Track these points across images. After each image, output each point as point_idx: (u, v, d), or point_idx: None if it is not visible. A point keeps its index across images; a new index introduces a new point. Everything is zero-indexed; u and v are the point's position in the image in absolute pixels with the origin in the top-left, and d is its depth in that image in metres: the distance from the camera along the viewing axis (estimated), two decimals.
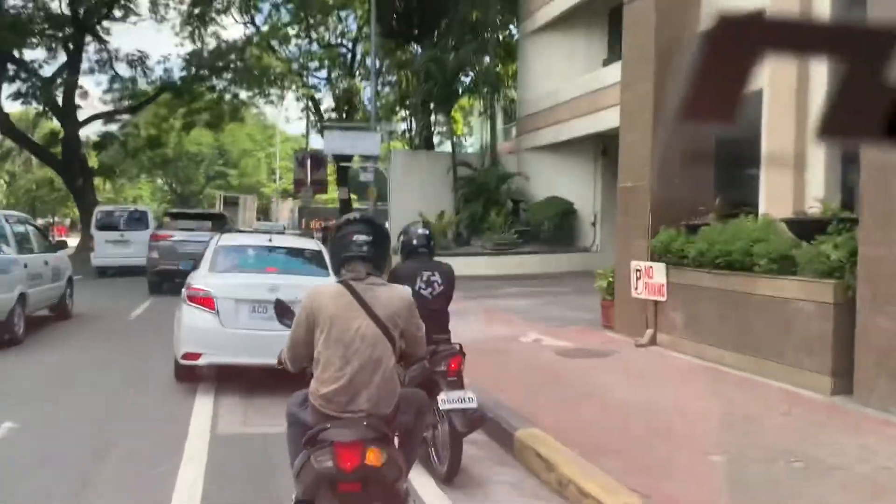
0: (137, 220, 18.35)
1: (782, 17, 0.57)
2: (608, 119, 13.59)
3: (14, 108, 26.90)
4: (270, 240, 7.88)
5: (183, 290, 7.09)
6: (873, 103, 0.58)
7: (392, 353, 2.93)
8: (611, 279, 9.09)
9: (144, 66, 26.94)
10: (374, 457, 2.70)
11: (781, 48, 0.59)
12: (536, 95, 19.30)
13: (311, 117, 37.66)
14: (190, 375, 6.93)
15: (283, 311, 3.53)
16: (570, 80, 17.60)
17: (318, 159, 38.79)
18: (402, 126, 25.14)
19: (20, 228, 10.23)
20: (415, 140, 22.40)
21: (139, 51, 26.98)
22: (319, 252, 7.55)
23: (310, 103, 36.46)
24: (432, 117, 20.50)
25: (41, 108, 24.57)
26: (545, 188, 18.90)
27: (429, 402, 3.42)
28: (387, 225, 20.51)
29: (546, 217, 17.79)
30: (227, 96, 32.81)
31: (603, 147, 17.73)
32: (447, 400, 4.43)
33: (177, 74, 28.65)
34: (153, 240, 15.08)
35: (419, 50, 21.23)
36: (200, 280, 6.97)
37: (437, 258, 5.25)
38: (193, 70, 28.62)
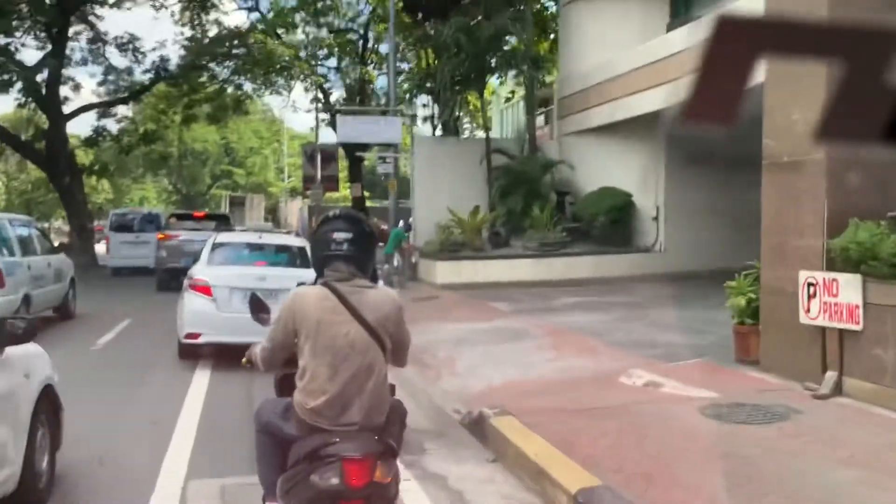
0: (150, 223, 19.48)
1: (782, 17, 0.57)
2: (678, 93, 10.90)
3: (9, 107, 24.67)
4: (260, 237, 9.33)
5: (185, 280, 8.27)
6: (874, 105, 0.58)
7: (384, 359, 2.78)
8: (751, 295, 6.38)
9: (136, 50, 24.37)
10: (382, 473, 2.61)
11: (781, 49, 0.59)
12: (581, 71, 16.59)
13: (321, 108, 35.04)
14: (191, 353, 7.95)
15: (257, 306, 3.58)
16: (626, 49, 14.87)
17: (328, 154, 35.88)
18: (422, 112, 22.43)
19: (23, 231, 10.55)
20: (437, 127, 19.68)
21: (129, 34, 24.24)
22: (303, 248, 8.44)
23: (319, 93, 33.85)
24: (459, 98, 17.78)
25: (22, 98, 22.06)
26: (593, 178, 16.19)
27: (406, 412, 2.99)
28: (409, 221, 17.86)
29: (599, 211, 15.08)
30: (230, 88, 30.43)
31: (666, 128, 14.97)
32: None
33: (174, 62, 26.09)
34: (161, 240, 15.88)
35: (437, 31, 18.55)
36: (200, 271, 8.18)
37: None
38: (191, 57, 26.07)
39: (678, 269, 15.30)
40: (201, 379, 7.36)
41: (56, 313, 11.21)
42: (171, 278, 14.37)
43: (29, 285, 9.67)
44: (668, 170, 15.31)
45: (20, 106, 22.31)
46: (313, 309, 2.70)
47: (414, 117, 17.11)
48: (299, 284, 7.97)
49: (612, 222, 15.27)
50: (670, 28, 14.46)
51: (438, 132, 20.58)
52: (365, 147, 36.43)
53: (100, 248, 26.80)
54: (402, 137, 17.48)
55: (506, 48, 16.89)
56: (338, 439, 2.62)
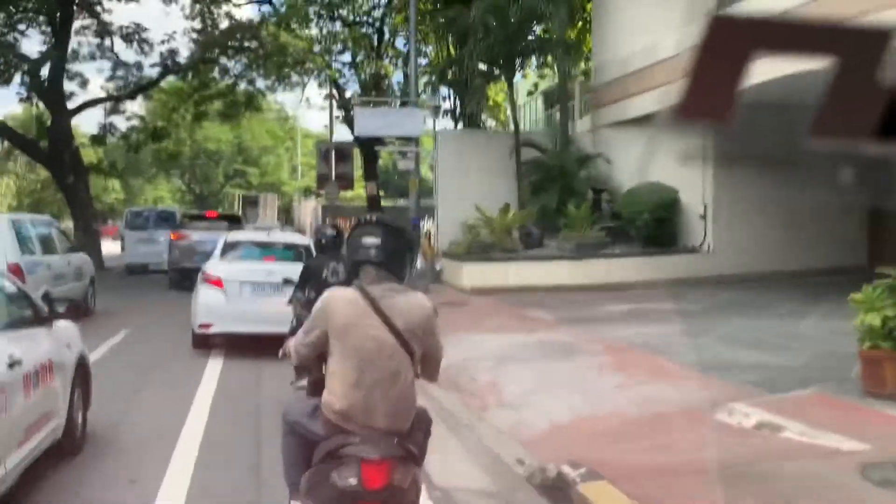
0: (165, 220, 19.55)
1: (775, 16, 0.58)
2: None
3: (12, 103, 23.54)
4: (269, 235, 9.84)
5: (199, 274, 8.89)
6: (866, 103, 0.59)
7: (411, 366, 2.74)
8: (888, 312, 5.06)
9: (142, 41, 23.28)
10: (400, 476, 2.58)
11: (774, 48, 0.59)
12: (618, 58, 15.27)
13: (335, 105, 33.84)
14: (204, 343, 8.55)
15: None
16: (672, 31, 13.51)
17: (342, 151, 34.82)
18: (442, 106, 21.14)
19: (44, 231, 10.85)
20: (459, 120, 18.39)
21: (135, 24, 23.14)
22: (307, 246, 8.93)
23: (334, 90, 32.69)
24: (486, 87, 16.48)
25: (24, 93, 21.06)
26: (632, 173, 14.86)
27: (431, 421, 2.98)
28: (431, 223, 16.62)
29: (643, 209, 13.75)
30: (242, 84, 29.36)
31: None
32: None
33: (183, 56, 24.99)
34: (173, 239, 15.92)
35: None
36: (212, 266, 8.83)
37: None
38: (201, 49, 24.97)
39: (728, 272, 13.96)
40: (214, 366, 8.03)
41: (74, 311, 11.37)
42: (182, 278, 14.41)
43: (49, 283, 9.73)
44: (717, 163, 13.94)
45: (22, 100, 21.28)
46: (342, 311, 2.71)
47: (437, 108, 15.82)
48: (285, 280, 7.66)
49: (656, 221, 13.93)
50: (722, 4, 13.12)
51: (460, 126, 19.31)
52: (381, 142, 35.41)
53: (113, 247, 25.97)
54: (424, 130, 16.21)
55: (536, 32, 15.58)
56: (358, 440, 2.62)
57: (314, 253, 7.49)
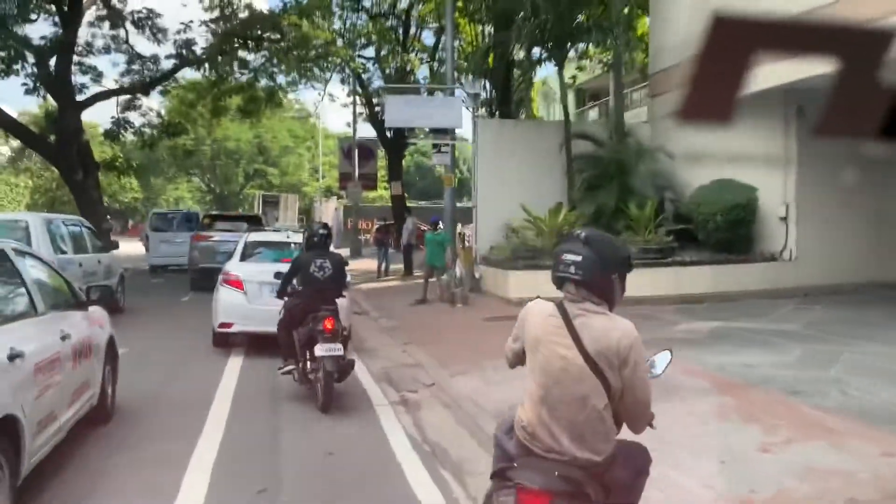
0: (189, 222, 20.16)
1: (777, 17, 0.58)
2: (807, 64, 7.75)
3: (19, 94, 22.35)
4: (288, 236, 10.07)
5: (219, 275, 9.09)
6: (868, 103, 0.59)
7: (604, 393, 2.47)
8: None
9: (155, 27, 21.90)
10: None
11: (777, 48, 0.60)
12: (680, 40, 13.51)
13: (359, 100, 32.39)
14: (224, 342, 8.85)
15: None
16: (742, 6, 11.73)
17: (366, 150, 33.45)
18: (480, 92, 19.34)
19: (75, 230, 11.24)
20: (495, 112, 16.68)
21: (147, 8, 21.77)
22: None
23: (357, 85, 31.26)
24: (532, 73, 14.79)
25: (31, 83, 19.73)
26: (699, 169, 13.10)
27: (651, 460, 2.78)
28: (466, 226, 14.94)
29: (716, 210, 11.99)
30: (263, 80, 28.01)
31: (798, 106, 11.82)
32: (321, 349, 6.05)
33: (200, 46, 23.60)
34: (194, 240, 15.97)
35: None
36: (232, 267, 9.06)
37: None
38: (219, 41, 23.57)
39: (814, 282, 12.15)
40: (236, 358, 8.44)
41: (105, 308, 11.31)
42: (202, 279, 14.39)
43: (80, 281, 9.98)
44: (801, 158, 12.13)
45: (28, 92, 19.99)
46: (536, 324, 2.62)
47: (476, 96, 14.12)
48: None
49: (729, 224, 12.15)
50: None
51: (498, 112, 17.54)
52: (405, 137, 33.84)
53: (133, 247, 24.74)
54: (462, 121, 14.55)
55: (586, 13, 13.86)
56: (517, 464, 2.55)
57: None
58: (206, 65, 24.12)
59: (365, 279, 19.06)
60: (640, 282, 11.79)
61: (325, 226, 7.45)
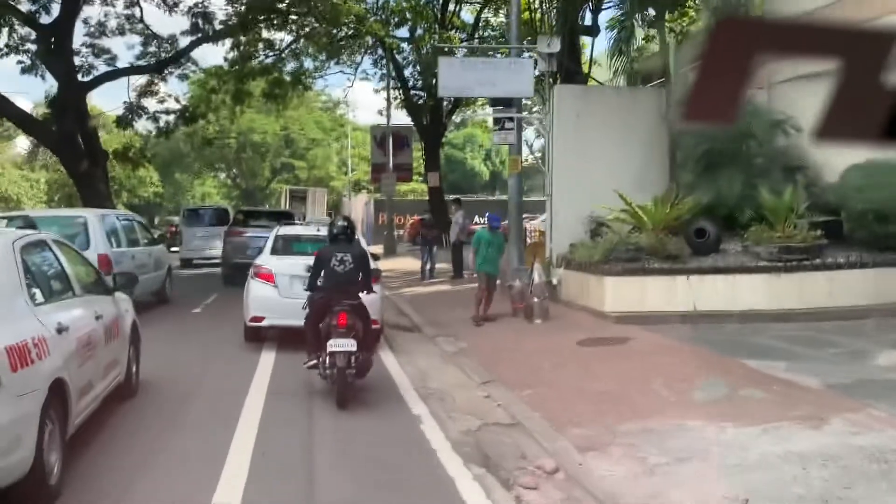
0: (220, 217, 20.86)
1: (782, 18, 0.65)
2: None
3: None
4: (318, 230, 9.75)
5: (250, 269, 9.09)
6: (872, 105, 0.59)
7: None
8: None
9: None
10: None
11: (781, 49, 0.60)
12: None
13: (393, 84, 29.73)
14: (256, 336, 8.74)
15: None
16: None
17: (400, 138, 30.72)
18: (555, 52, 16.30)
19: (128, 225, 12.07)
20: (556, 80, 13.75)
21: None
22: (357, 240, 8.42)
23: (391, 67, 28.63)
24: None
25: (29, 60, 17.38)
26: (829, 146, 10.15)
27: None
28: (535, 221, 12.15)
29: (878, 198, 9.06)
30: (289, 64, 25.62)
31: None
32: (332, 344, 6.01)
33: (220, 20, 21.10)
34: (228, 236, 16.39)
35: None
36: (263, 260, 9.07)
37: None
38: (241, 16, 21.07)
39: None
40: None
41: (154, 297, 12.24)
42: (235, 274, 14.42)
43: (134, 272, 10.98)
44: None
45: (25, 71, 17.62)
46: None
47: (552, 56, 11.31)
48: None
49: (889, 216, 9.23)
50: None
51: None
52: (444, 126, 31.05)
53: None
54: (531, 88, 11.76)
55: None
56: None
57: (363, 243, 8.27)
58: (228, 41, 21.72)
59: (406, 282, 16.40)
60: (781, 291, 8.97)
61: (347, 218, 7.34)
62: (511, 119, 11.99)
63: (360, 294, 6.50)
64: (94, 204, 17.92)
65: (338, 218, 7.38)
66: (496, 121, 12.25)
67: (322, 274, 6.56)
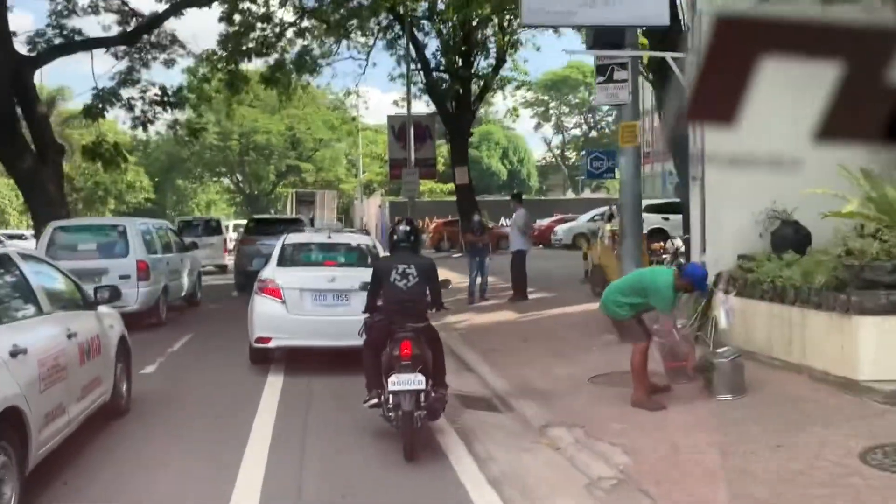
0: (213, 228, 22.13)
1: (782, 17, 0.57)
2: None
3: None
4: (330, 237, 9.08)
5: (255, 283, 8.15)
6: (874, 104, 0.58)
7: None
8: None
9: None
10: None
11: (782, 49, 0.59)
12: None
13: (413, 68, 25.52)
14: (262, 358, 7.89)
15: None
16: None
17: (421, 129, 26.59)
18: None
19: (162, 232, 12.42)
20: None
21: None
22: (374, 246, 8.51)
23: (410, 44, 24.46)
24: None
25: None
26: None
27: None
28: (610, 221, 8.01)
29: None
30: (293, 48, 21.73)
31: None
32: (396, 381, 4.81)
33: None
34: (241, 244, 17.09)
35: None
36: (268, 273, 8.05)
37: None
38: None
39: None
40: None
41: (185, 302, 13.03)
42: (247, 281, 13.86)
43: (167, 278, 11.36)
44: None
45: None
46: None
47: None
48: (363, 285, 6.59)
49: None
50: None
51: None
52: (473, 114, 26.82)
53: None
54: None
55: None
56: None
57: (379, 250, 7.76)
58: (217, 8, 17.73)
59: (450, 304, 12.30)
60: None
61: (410, 222, 6.08)
62: (624, 66, 7.83)
63: (429, 312, 5.48)
64: (42, 211, 13.90)
65: (399, 221, 6.08)
66: (600, 69, 8.06)
67: (381, 292, 5.45)
